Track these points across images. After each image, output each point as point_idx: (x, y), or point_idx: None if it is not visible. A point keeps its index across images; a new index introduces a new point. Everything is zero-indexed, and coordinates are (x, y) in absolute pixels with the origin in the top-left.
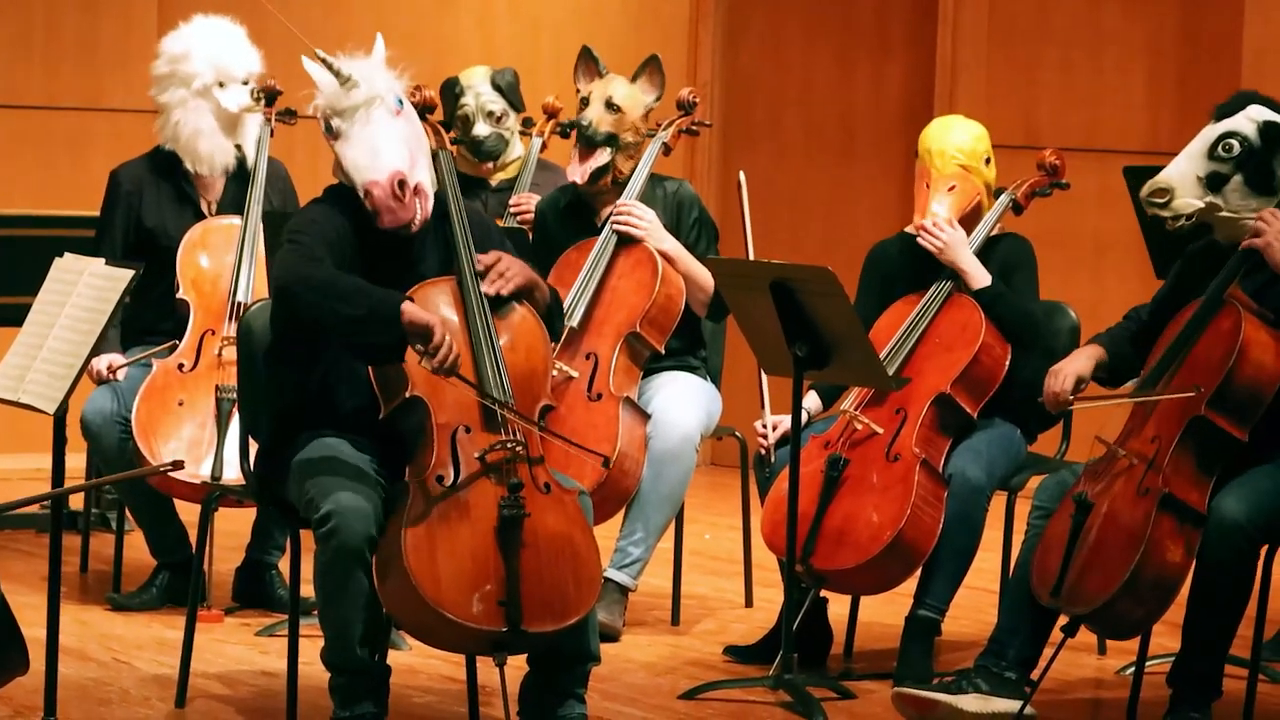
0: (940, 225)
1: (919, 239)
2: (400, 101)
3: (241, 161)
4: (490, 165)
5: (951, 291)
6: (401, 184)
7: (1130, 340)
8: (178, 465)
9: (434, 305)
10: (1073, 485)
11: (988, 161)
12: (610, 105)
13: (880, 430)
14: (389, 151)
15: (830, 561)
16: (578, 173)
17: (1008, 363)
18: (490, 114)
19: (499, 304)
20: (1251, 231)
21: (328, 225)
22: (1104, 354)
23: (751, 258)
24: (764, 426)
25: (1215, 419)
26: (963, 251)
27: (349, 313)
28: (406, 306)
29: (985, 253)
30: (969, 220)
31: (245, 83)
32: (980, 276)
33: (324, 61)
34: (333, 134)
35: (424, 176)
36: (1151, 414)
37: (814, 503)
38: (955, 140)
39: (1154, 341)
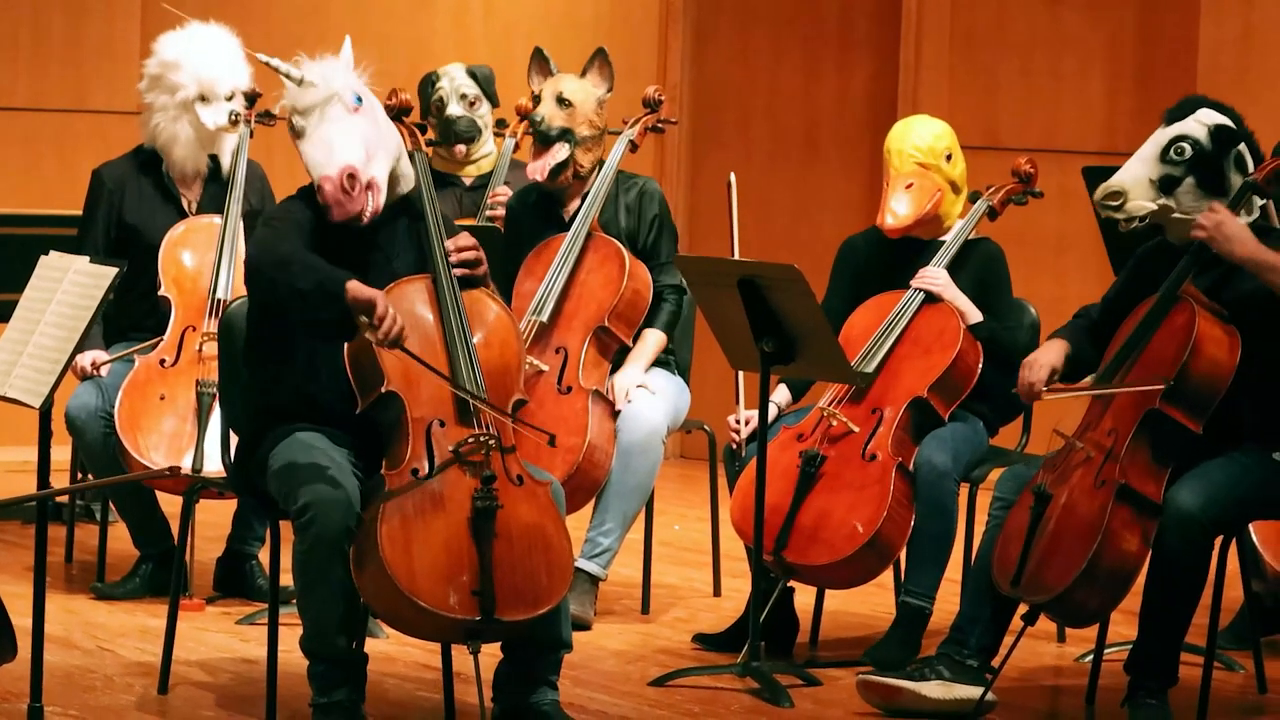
0: (931, 274)
1: (913, 280)
2: (359, 99)
3: (217, 165)
4: (463, 149)
5: (927, 294)
6: (351, 177)
7: (1087, 338)
8: (175, 471)
9: (409, 302)
10: (1032, 477)
11: (949, 159)
12: (561, 100)
13: (856, 429)
14: (342, 147)
15: (804, 556)
16: (536, 170)
17: (980, 366)
18: (464, 96)
19: (473, 301)
20: (1196, 225)
21: (301, 215)
22: (1068, 348)
23: (737, 255)
24: (737, 421)
25: (1170, 412)
26: (953, 290)
27: (298, 286)
28: (351, 284)
29: (960, 256)
30: (931, 218)
31: (229, 98)
32: (972, 314)
33: (271, 66)
34: (296, 133)
35: (380, 171)
36: (1109, 408)
37: (787, 495)
38: (914, 139)
39: (1109, 338)
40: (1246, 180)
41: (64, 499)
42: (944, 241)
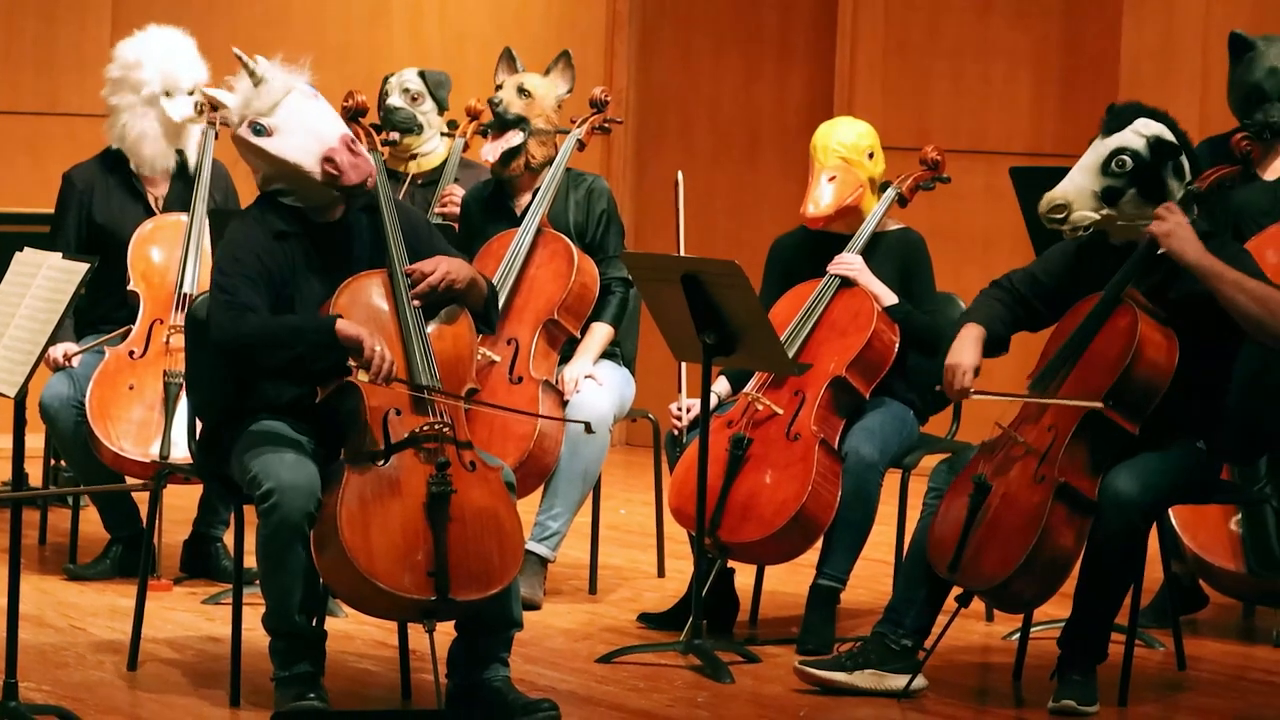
0: (846, 259)
1: (828, 266)
2: (311, 88)
3: (183, 163)
4: (399, 138)
5: (843, 281)
6: (353, 139)
7: (1003, 310)
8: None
9: (366, 296)
10: (968, 465)
11: (871, 156)
12: (522, 91)
13: (780, 411)
14: (327, 122)
15: (736, 534)
16: (490, 151)
17: (897, 346)
18: (406, 91)
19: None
20: (1155, 220)
21: (249, 256)
22: (984, 332)
23: (683, 252)
24: (678, 409)
25: (1110, 415)
26: (867, 275)
27: (290, 354)
28: (339, 326)
29: (877, 243)
30: (852, 209)
31: (191, 93)
32: (886, 296)
33: (240, 60)
34: (266, 132)
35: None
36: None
37: (718, 478)
38: (838, 135)
39: (1037, 318)
40: (1190, 188)
41: (38, 482)
42: None
